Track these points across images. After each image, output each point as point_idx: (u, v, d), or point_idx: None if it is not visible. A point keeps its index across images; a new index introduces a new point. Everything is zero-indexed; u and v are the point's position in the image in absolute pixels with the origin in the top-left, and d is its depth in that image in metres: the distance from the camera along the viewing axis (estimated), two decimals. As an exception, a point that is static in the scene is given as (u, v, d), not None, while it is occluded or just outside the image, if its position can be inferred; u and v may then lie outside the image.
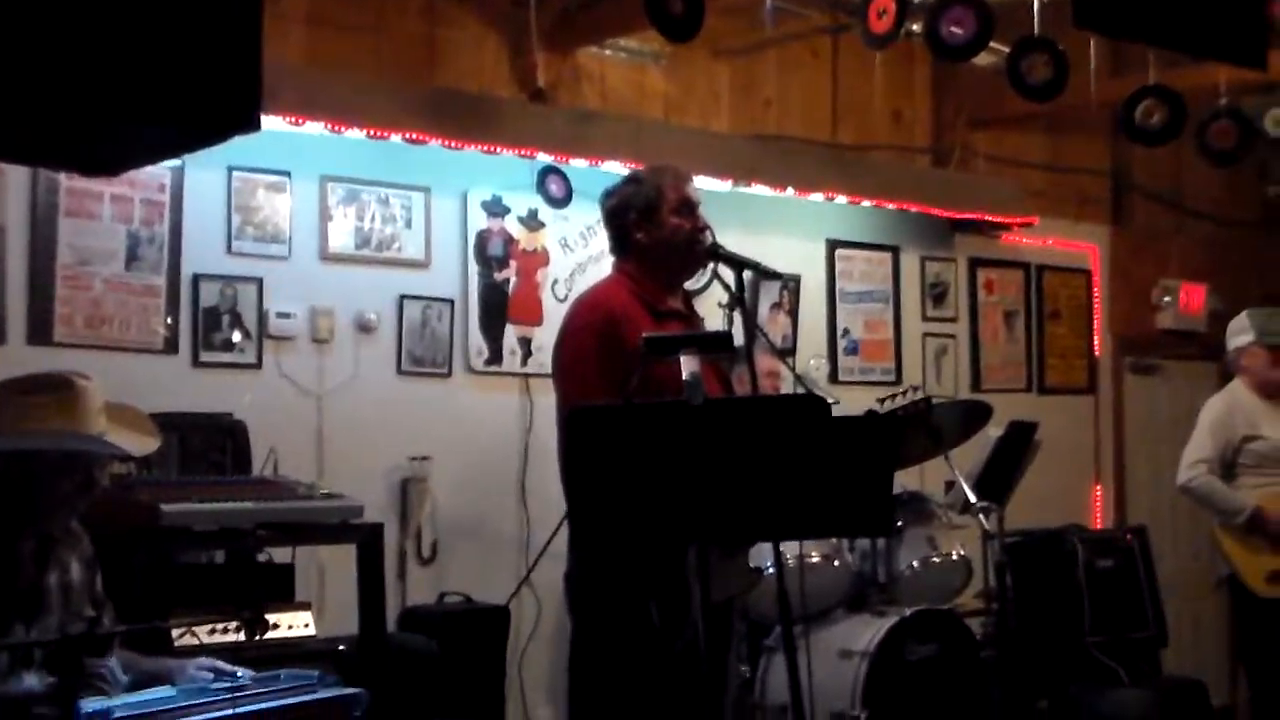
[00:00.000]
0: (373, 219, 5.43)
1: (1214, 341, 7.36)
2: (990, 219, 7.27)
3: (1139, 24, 5.26)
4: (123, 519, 3.87)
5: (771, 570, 3.87)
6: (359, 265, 5.39)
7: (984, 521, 5.16)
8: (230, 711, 2.90)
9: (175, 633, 3.82)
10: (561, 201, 5.79)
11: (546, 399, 4.92)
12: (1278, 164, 8.38)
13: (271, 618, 3.99)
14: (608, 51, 6.19)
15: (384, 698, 3.84)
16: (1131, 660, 6.35)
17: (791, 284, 6.59)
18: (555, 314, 5.15)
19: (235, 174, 5.10)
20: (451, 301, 5.60)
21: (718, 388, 3.94)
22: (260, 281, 5.15)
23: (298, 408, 5.19)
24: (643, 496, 2.90)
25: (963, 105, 7.37)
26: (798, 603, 4.00)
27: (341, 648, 4.22)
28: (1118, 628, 6.46)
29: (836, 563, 5.26)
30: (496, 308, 5.72)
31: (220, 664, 3.26)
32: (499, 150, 5.50)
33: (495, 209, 5.75)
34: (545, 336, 5.45)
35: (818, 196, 6.48)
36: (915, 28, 5.48)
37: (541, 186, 5.76)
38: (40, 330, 4.67)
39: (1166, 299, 8.21)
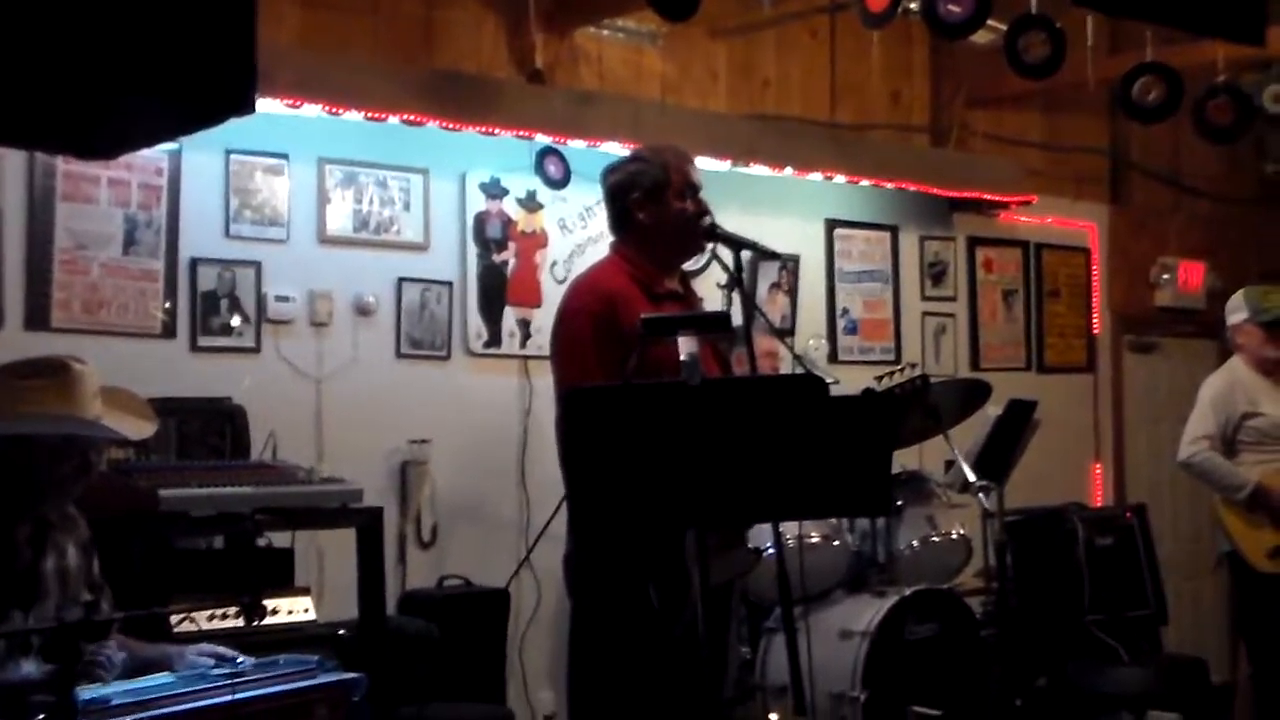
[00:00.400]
0: (371, 201, 5.42)
1: (1213, 319, 7.35)
2: (989, 198, 7.26)
3: (1136, 1, 5.25)
4: (121, 504, 3.87)
5: (771, 551, 3.87)
6: (357, 248, 5.38)
7: (983, 500, 5.16)
8: (230, 698, 2.89)
9: (174, 619, 3.82)
10: (560, 183, 5.78)
11: (545, 381, 4.91)
12: (1276, 141, 8.36)
13: (271, 603, 4.01)
14: (605, 32, 6.18)
15: (384, 682, 3.85)
16: (1131, 638, 6.36)
17: (790, 264, 6.59)
18: (554, 295, 5.14)
19: (233, 157, 5.09)
20: (450, 284, 5.60)
21: (716, 368, 3.93)
22: (259, 265, 5.14)
23: (297, 391, 5.19)
24: (641, 478, 2.89)
25: (961, 84, 7.35)
26: (797, 583, 4.00)
27: (341, 632, 4.22)
28: (1117, 606, 6.47)
29: (836, 543, 5.26)
30: (495, 290, 5.71)
31: (220, 649, 3.25)
32: (497, 132, 5.48)
33: (494, 190, 5.74)
34: (544, 318, 5.44)
35: (816, 176, 6.47)
36: (913, 6, 5.46)
37: (540, 168, 5.75)
38: (38, 315, 4.66)
39: (1165, 277, 8.20)
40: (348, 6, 5.45)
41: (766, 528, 4.04)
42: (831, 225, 6.85)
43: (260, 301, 5.13)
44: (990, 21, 5.49)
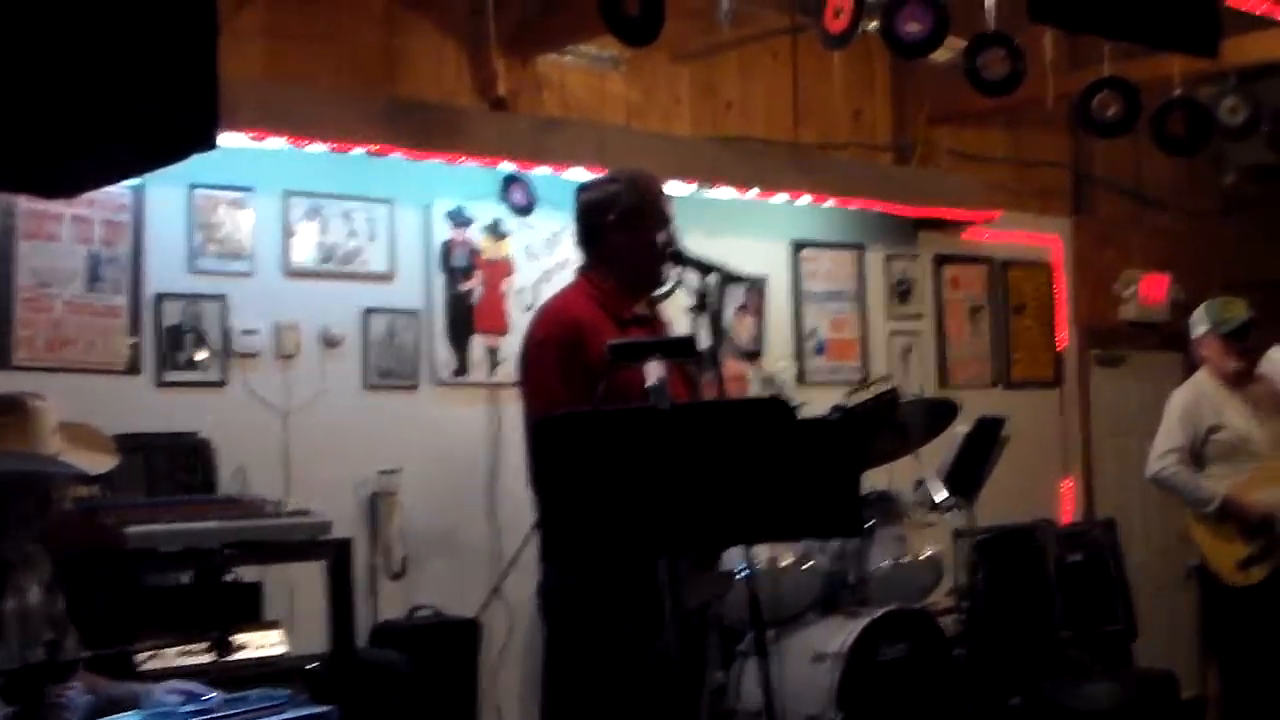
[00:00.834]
0: (336, 232, 5.41)
1: (1177, 332, 7.39)
2: (953, 215, 7.29)
3: (1093, 16, 5.29)
4: (88, 541, 3.84)
5: (744, 574, 3.87)
6: (323, 279, 5.37)
7: (954, 519, 5.18)
8: (200, 735, 2.88)
9: (142, 656, 3.79)
10: (525, 210, 5.78)
11: (514, 409, 4.90)
12: (1234, 153, 8.43)
13: (240, 638, 3.99)
14: (567, 58, 6.19)
15: (356, 715, 3.82)
16: (1103, 654, 6.38)
17: (757, 286, 6.60)
18: (521, 323, 5.12)
19: (197, 191, 5.07)
20: (417, 313, 5.59)
21: (685, 392, 3.93)
22: (224, 298, 5.12)
23: (264, 424, 5.16)
24: (613, 504, 2.89)
25: (922, 102, 7.39)
26: (770, 607, 4.01)
27: (312, 665, 4.20)
28: (1089, 622, 6.49)
29: (808, 565, 5.26)
30: (462, 318, 5.70)
31: (189, 686, 3.23)
32: (461, 160, 5.48)
33: (459, 219, 5.73)
34: (511, 346, 5.43)
35: (781, 197, 6.49)
36: (872, 26, 5.49)
37: (505, 195, 5.75)
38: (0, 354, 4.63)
39: (1129, 290, 8.25)
40: (309, 36, 5.44)
41: (739, 551, 4.04)
42: (797, 246, 6.87)
43: (226, 335, 5.11)
44: (950, 39, 5.52)
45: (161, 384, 4.98)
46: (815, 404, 5.25)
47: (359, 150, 5.21)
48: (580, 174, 5.50)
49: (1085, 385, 8.14)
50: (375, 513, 5.37)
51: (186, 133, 2.66)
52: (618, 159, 5.29)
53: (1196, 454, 5.70)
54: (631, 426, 2.95)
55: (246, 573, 4.53)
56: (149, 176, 4.73)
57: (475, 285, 5.75)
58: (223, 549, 4.10)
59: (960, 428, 5.60)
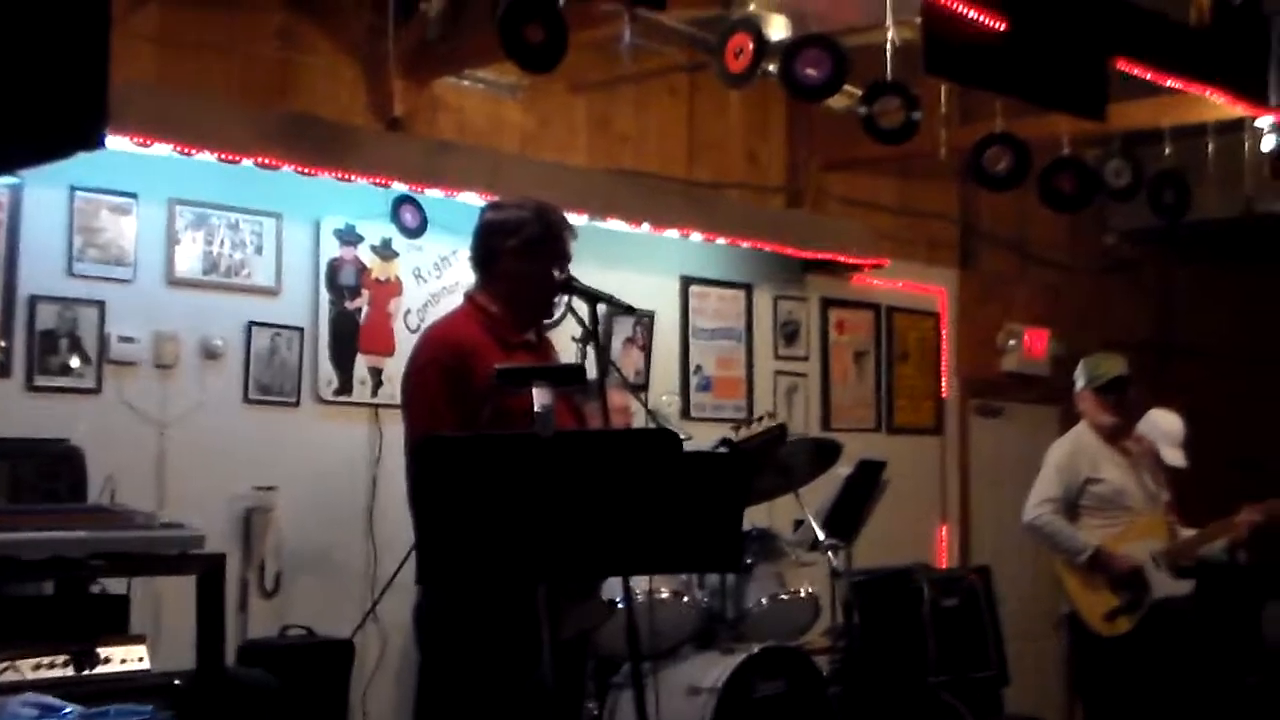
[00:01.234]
0: (222, 244, 5.33)
1: (1056, 385, 7.55)
2: (842, 260, 7.37)
3: (986, 73, 5.41)
4: (-53, 548, 3.71)
5: (621, 605, 3.85)
6: (207, 291, 5.28)
7: (832, 559, 5.21)
8: (56, 749, 2.79)
9: (-1, 667, 3.67)
10: (415, 231, 5.74)
11: (396, 430, 4.84)
12: (1116, 215, 8.64)
13: (104, 651, 3.88)
14: (465, 83, 6.16)
15: (220, 734, 3.73)
16: (974, 698, 6.44)
17: (645, 319, 6.61)
18: (407, 344, 5.07)
19: (78, 194, 4.97)
20: (301, 330, 5.52)
21: (571, 421, 3.91)
22: (102, 304, 5.01)
23: (139, 435, 5.06)
24: (492, 529, 2.85)
25: (816, 147, 7.48)
26: (647, 639, 3.98)
27: (177, 682, 4.09)
28: (961, 667, 6.56)
29: (686, 599, 5.26)
30: (347, 337, 5.64)
31: (45, 699, 3.13)
32: (353, 178, 5.43)
33: (348, 237, 5.67)
34: (396, 367, 5.35)
35: (673, 233, 6.51)
36: (771, 68, 5.54)
37: (395, 216, 5.70)
38: None
39: (1011, 343, 8.39)
40: (204, 45, 5.37)
41: (617, 581, 4.02)
42: (687, 282, 6.90)
43: (103, 342, 5.00)
44: (847, 86, 5.59)
45: (32, 388, 4.85)
46: (699, 440, 5.26)
47: (248, 162, 5.14)
48: (473, 198, 5.47)
49: (965, 434, 8.26)
50: (250, 529, 5.28)
51: (72, 131, 2.60)
52: (511, 186, 5.27)
53: (1072, 505, 5.80)
54: (514, 452, 2.92)
55: (115, 586, 4.41)
56: (27, 176, 4.65)
57: (362, 304, 5.69)
58: (89, 559, 3.98)
59: (842, 469, 5.64)
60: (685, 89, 6.93)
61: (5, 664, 3.65)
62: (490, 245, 4.02)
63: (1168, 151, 6.78)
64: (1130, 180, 6.74)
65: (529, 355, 3.99)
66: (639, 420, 5.41)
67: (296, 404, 5.49)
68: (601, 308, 3.95)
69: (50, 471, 4.52)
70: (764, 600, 5.38)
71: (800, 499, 5.33)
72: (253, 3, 5.55)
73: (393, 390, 5.31)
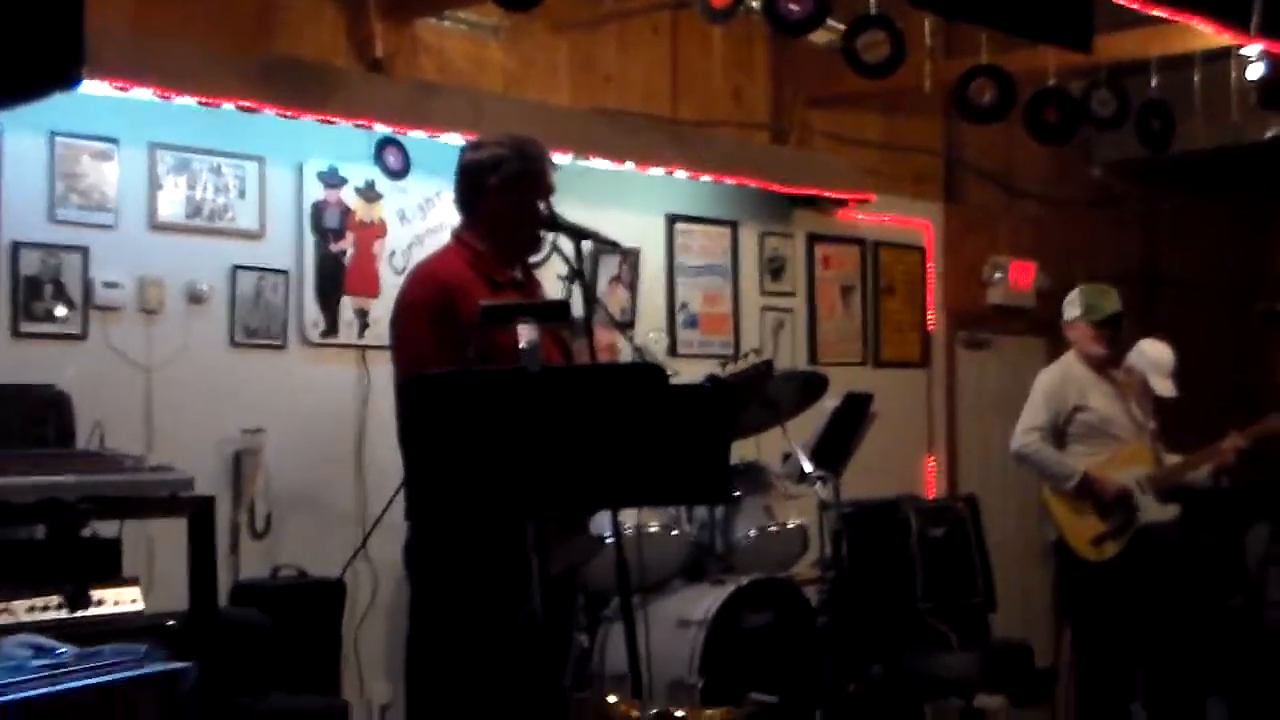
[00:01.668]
0: (205, 188, 5.31)
1: (1042, 317, 7.57)
2: (827, 195, 7.36)
3: (972, 6, 5.39)
4: (-63, 494, 3.73)
5: (611, 539, 3.88)
6: (190, 235, 5.27)
7: (820, 491, 5.25)
8: (51, 689, 2.81)
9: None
10: (399, 173, 5.73)
11: (383, 370, 4.87)
12: (1102, 145, 8.63)
13: (97, 594, 3.91)
14: (447, 23, 6.12)
15: (215, 673, 3.77)
16: (962, 625, 6.51)
17: (630, 257, 6.60)
18: (392, 286, 5.08)
19: (58, 139, 4.94)
20: (286, 273, 5.51)
21: (558, 358, 3.93)
22: (85, 250, 4.99)
23: (126, 379, 5.06)
24: (481, 465, 2.87)
25: (801, 83, 7.44)
26: (636, 573, 4.02)
27: (170, 623, 4.13)
28: (949, 594, 6.63)
29: (675, 532, 5.30)
30: (332, 279, 5.64)
31: (39, 640, 3.15)
32: (335, 120, 5.41)
33: (332, 180, 5.66)
34: (382, 308, 5.38)
35: (657, 171, 6.50)
36: (754, 4, 5.51)
37: (379, 158, 5.69)
38: None
39: (997, 276, 8.41)
40: (182, -12, 5.33)
41: (606, 516, 4.05)
42: (672, 220, 6.89)
43: (87, 287, 4.99)
44: (830, 21, 5.57)
45: (17, 334, 4.85)
46: (686, 376, 5.27)
47: (229, 105, 5.11)
48: (456, 139, 5.45)
49: (951, 366, 8.29)
50: (239, 471, 5.30)
51: (48, 70, 2.58)
52: (494, 126, 5.23)
53: (1059, 433, 5.84)
54: (502, 388, 2.93)
55: (106, 529, 4.43)
56: (6, 121, 4.62)
57: (347, 247, 5.68)
58: (80, 503, 3.99)
59: (829, 402, 5.66)
60: (668, 27, 6.89)
61: (0, 606, 3.68)
62: (472, 185, 4.02)
63: (1154, 83, 6.77)
64: (1116, 110, 6.73)
65: (516, 293, 4.00)
66: (626, 358, 5.43)
67: (283, 346, 5.49)
68: (587, 245, 3.96)
69: (38, 417, 4.52)
70: (752, 532, 5.42)
71: (787, 432, 5.35)
72: (231, -56, 5.50)
73: (379, 331, 5.33)
